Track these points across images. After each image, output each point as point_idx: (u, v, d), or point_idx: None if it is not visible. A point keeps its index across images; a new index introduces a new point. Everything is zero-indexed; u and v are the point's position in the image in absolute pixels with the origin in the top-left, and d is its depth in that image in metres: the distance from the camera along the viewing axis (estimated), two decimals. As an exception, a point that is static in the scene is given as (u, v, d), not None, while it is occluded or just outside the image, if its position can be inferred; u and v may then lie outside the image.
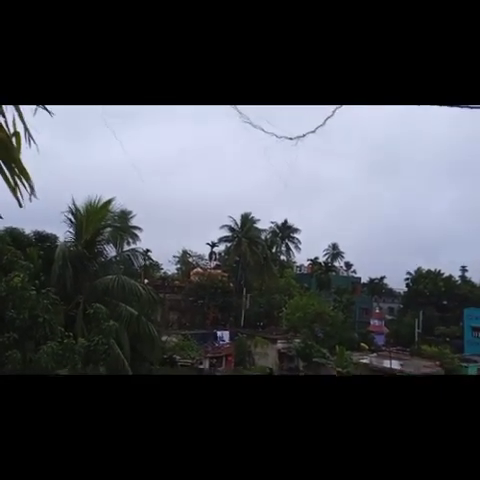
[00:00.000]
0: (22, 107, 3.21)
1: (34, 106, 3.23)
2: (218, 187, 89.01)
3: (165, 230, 69.48)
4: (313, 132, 3.47)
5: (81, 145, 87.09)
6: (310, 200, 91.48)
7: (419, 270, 48.97)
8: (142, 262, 31.07)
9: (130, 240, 38.96)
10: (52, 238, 16.50)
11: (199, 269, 44.94)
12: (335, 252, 66.27)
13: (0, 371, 9.90)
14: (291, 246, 53.41)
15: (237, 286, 42.25)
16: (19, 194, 3.28)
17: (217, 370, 28.74)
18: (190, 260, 50.10)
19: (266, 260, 43.67)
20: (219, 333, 34.83)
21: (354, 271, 66.11)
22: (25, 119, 3.25)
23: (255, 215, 45.13)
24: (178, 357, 23.67)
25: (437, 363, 28.57)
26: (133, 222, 40.70)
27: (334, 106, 3.26)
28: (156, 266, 49.06)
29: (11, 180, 3.23)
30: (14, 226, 15.64)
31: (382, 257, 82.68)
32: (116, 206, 18.76)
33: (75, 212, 16.34)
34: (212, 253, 51.77)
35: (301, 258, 56.46)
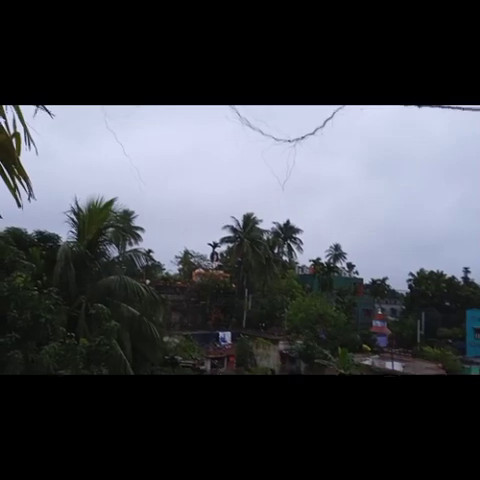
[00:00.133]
0: (22, 108, 3.21)
1: (34, 107, 3.24)
2: (220, 188, 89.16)
3: (167, 230, 69.60)
4: (312, 134, 3.46)
5: (83, 146, 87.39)
6: (312, 201, 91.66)
7: (421, 271, 48.82)
8: (144, 262, 31.08)
9: (132, 240, 39.06)
10: (54, 238, 16.50)
11: (201, 270, 44.97)
12: (337, 253, 66.28)
13: (2, 371, 9.91)
14: (293, 247, 53.43)
15: (239, 287, 42.25)
16: (18, 194, 3.30)
17: (219, 371, 28.74)
18: (192, 261, 50.14)
19: (268, 261, 43.64)
20: (221, 334, 34.84)
21: (356, 272, 66.19)
22: (26, 120, 3.26)
23: (257, 216, 45.18)
24: (180, 358, 23.64)
25: (439, 365, 28.48)
26: (135, 222, 40.81)
27: (333, 108, 3.26)
28: (158, 266, 49.15)
29: (11, 181, 3.25)
30: (16, 226, 15.69)
31: (384, 258, 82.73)
32: (118, 206, 18.78)
33: (77, 212, 16.35)
34: (214, 254, 51.82)
35: (303, 259, 56.56)
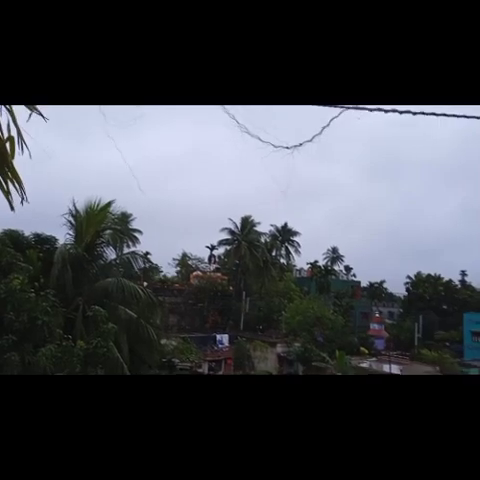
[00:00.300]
0: (17, 111, 3.23)
1: (28, 111, 3.25)
2: (218, 190, 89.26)
3: (165, 233, 69.61)
4: (310, 141, 3.48)
5: (81, 147, 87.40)
6: (311, 204, 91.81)
7: (419, 274, 48.93)
8: (142, 265, 31.03)
9: (130, 243, 39.02)
10: (52, 240, 16.49)
11: (199, 272, 44.92)
12: (335, 256, 66.32)
13: (-2, 373, 9.88)
14: (291, 249, 53.38)
15: (237, 289, 42.21)
16: (11, 198, 3.32)
17: (216, 374, 28.67)
18: (190, 263, 50.06)
19: (266, 263, 43.62)
20: (218, 336, 34.79)
21: (354, 275, 66.24)
22: (20, 124, 3.27)
23: (255, 218, 45.19)
24: (177, 360, 23.62)
25: (437, 368, 28.50)
26: (133, 225, 40.77)
27: (332, 113, 3.28)
28: (156, 269, 49.05)
29: (4, 185, 3.28)
30: (13, 228, 15.67)
31: (382, 261, 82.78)
32: (116, 208, 18.80)
33: (75, 214, 16.35)
34: (212, 256, 51.77)
35: (301, 261, 56.58)
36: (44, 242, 16.20)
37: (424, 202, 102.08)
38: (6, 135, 3.26)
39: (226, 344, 34.01)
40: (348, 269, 67.25)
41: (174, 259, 50.57)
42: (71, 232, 16.41)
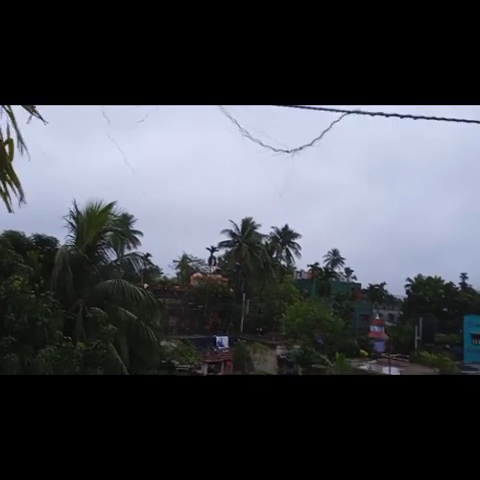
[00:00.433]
0: (16, 113, 3.25)
1: (28, 114, 3.27)
2: (219, 192, 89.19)
3: (165, 234, 69.57)
4: (310, 145, 3.50)
5: (82, 149, 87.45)
6: (311, 207, 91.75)
7: (419, 277, 48.82)
8: (142, 266, 31.05)
9: (131, 244, 38.99)
10: (52, 242, 16.50)
11: (199, 274, 44.90)
12: (335, 258, 66.22)
13: (-2, 374, 9.88)
14: (291, 251, 53.36)
15: (237, 291, 42.18)
16: (9, 200, 3.34)
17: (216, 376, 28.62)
18: (190, 265, 50.05)
19: (266, 265, 43.60)
20: (218, 338, 34.74)
21: (354, 277, 66.02)
22: (20, 126, 3.29)
23: (256, 220, 45.19)
24: (177, 362, 23.60)
25: (437, 370, 28.44)
26: (134, 226, 40.76)
27: (333, 117, 3.29)
28: (156, 270, 49.05)
29: (2, 186, 3.30)
30: (14, 229, 15.68)
31: (382, 263, 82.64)
32: (117, 210, 18.81)
33: (76, 216, 16.37)
34: (212, 258, 51.75)
35: (301, 264, 56.44)
36: (45, 243, 16.21)
37: (424, 205, 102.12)
38: (5, 138, 3.28)
39: (226, 346, 33.96)
40: (349, 271, 67.11)
41: (174, 261, 50.63)
42: (72, 234, 16.44)
